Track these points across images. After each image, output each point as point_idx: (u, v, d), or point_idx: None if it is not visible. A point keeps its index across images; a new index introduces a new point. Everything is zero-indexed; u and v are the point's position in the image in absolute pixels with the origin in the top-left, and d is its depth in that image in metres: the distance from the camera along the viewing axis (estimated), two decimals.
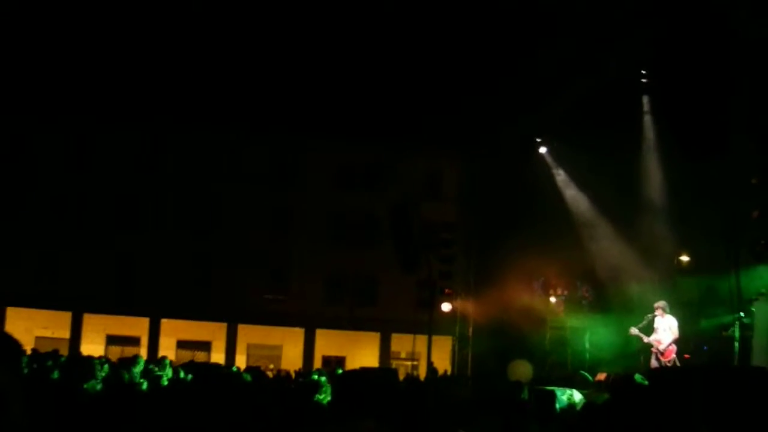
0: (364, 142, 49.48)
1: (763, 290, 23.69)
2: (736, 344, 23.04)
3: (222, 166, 49.67)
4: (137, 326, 48.44)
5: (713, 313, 26.77)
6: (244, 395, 12.23)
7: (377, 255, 45.43)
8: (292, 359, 48.22)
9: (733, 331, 23.50)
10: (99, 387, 13.39)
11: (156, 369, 20.25)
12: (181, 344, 49.73)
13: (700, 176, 25.20)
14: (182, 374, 19.83)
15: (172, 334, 49.00)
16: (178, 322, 48.53)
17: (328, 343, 50.83)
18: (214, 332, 49.76)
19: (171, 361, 27.55)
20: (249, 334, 50.30)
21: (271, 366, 43.95)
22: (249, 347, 50.84)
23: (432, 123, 44.00)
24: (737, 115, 20.86)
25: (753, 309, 23.89)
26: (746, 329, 23.75)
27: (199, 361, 42.62)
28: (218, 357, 47.58)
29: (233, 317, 48.96)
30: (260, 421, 10.27)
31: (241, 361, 45.66)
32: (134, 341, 48.58)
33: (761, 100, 18.40)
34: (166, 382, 16.09)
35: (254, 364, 37.40)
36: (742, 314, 23.56)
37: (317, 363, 48.36)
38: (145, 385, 16.16)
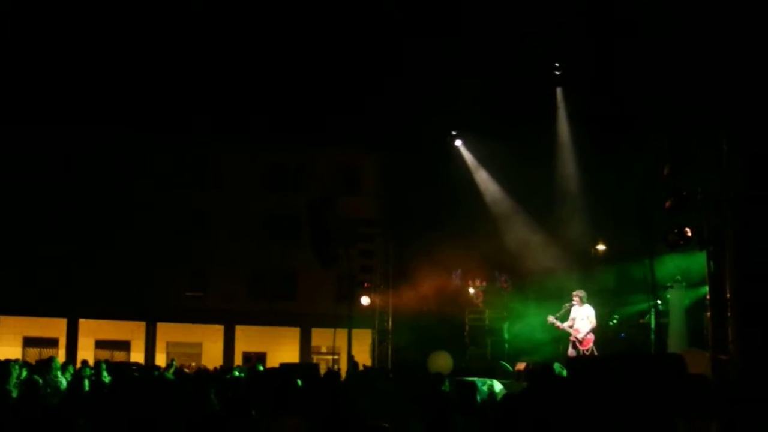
0: (281, 140, 49.38)
1: (678, 277, 24.13)
2: (653, 331, 23.44)
3: (143, 168, 49.09)
4: (55, 327, 47.82)
5: (630, 301, 27.17)
6: (169, 395, 12.13)
7: (296, 251, 45.33)
8: (212, 356, 48.02)
9: (649, 318, 23.88)
10: (15, 393, 13.18)
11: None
12: (100, 344, 49.12)
13: (614, 166, 25.59)
14: (105, 376, 19.64)
15: (91, 334, 48.39)
16: (97, 322, 47.98)
17: (248, 339, 50.67)
18: (132, 331, 49.29)
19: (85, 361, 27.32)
20: (168, 333, 49.89)
21: (192, 364, 43.68)
22: (168, 345, 50.37)
23: (348, 118, 43.98)
24: (650, 106, 21.18)
25: (668, 296, 24.37)
26: (662, 316, 24.18)
27: (118, 360, 42.38)
28: (137, 356, 47.18)
29: (152, 316, 48.55)
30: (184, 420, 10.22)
31: (160, 360, 45.34)
32: (52, 342, 48.03)
33: (673, 91, 18.67)
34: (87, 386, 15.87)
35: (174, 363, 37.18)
36: (658, 302, 23.98)
37: (237, 359, 48.32)
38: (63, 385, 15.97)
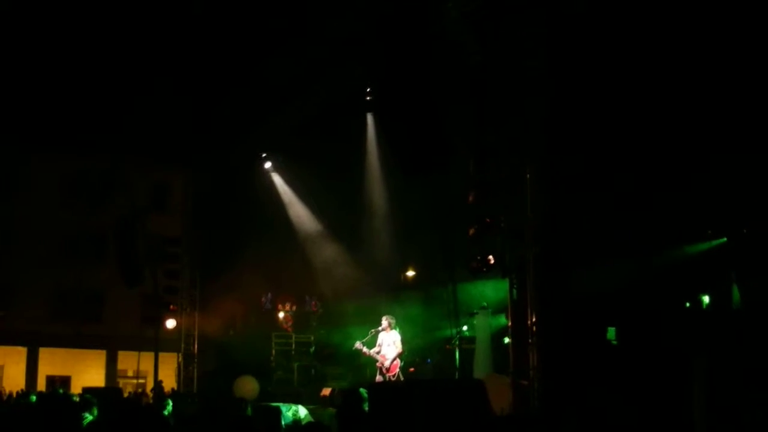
0: (89, 154, 48.10)
1: (484, 304, 24.43)
2: (457, 358, 23.71)
3: None
4: None
5: (437, 327, 27.40)
6: None
7: (103, 270, 44.25)
8: (13, 379, 46.38)
9: (456, 344, 24.11)
10: None
11: None
12: None
13: (421, 192, 25.79)
14: None
15: None
16: None
17: (52, 361, 49.14)
18: None
19: None
20: None
21: None
22: None
23: (159, 133, 43.11)
24: (457, 134, 21.41)
25: (474, 322, 24.59)
26: (468, 342, 24.44)
27: None
28: None
29: None
30: None
31: None
32: None
33: (480, 119, 18.89)
34: None
35: None
36: (464, 328, 24.23)
37: (41, 383, 46.79)
38: None
